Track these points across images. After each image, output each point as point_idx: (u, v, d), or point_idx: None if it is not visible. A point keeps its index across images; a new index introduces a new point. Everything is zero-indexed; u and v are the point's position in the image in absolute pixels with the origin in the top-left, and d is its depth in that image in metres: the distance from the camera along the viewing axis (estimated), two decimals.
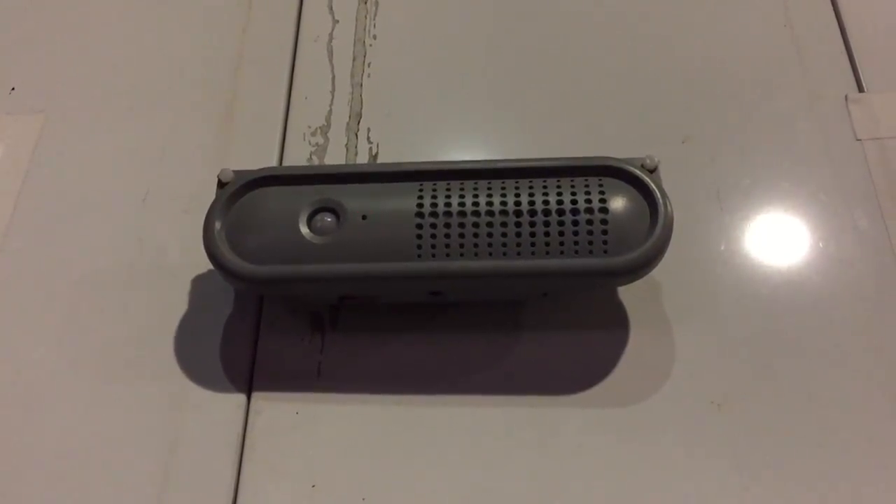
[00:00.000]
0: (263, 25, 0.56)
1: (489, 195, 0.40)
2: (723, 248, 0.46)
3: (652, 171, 0.41)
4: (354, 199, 0.41)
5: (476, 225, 0.39)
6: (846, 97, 0.50)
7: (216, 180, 0.42)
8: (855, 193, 0.47)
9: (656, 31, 0.54)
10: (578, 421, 0.41)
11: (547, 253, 0.39)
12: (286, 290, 0.42)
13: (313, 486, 0.40)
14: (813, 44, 0.53)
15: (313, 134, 0.51)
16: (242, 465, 0.41)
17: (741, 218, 0.47)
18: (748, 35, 0.54)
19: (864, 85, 0.51)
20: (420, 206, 0.40)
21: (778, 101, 0.51)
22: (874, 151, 0.48)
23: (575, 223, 0.39)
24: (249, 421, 0.42)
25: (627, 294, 0.44)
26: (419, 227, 0.39)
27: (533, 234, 0.39)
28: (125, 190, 0.50)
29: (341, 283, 0.40)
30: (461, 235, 0.39)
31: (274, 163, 0.50)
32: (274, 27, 0.56)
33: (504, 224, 0.39)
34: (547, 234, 0.39)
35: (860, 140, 0.49)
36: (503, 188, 0.40)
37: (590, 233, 0.39)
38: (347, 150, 0.51)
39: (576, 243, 0.39)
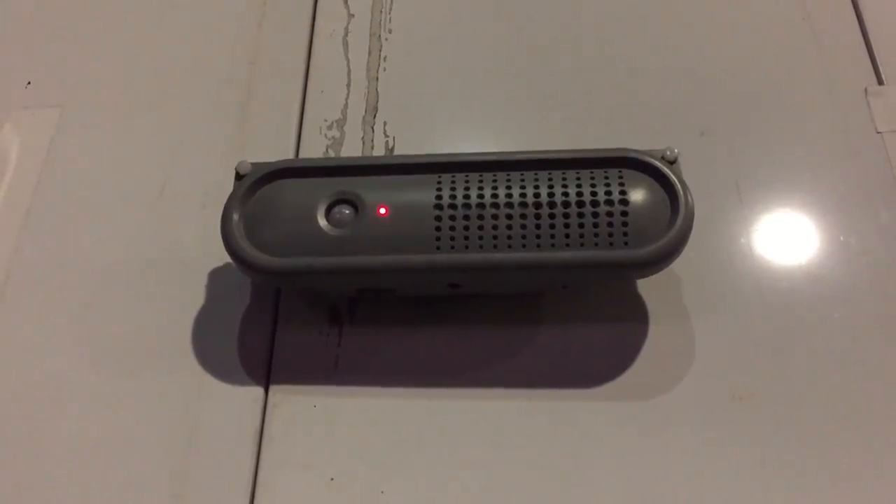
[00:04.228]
0: (279, 20, 0.56)
1: (508, 187, 0.40)
2: (742, 241, 0.45)
3: (672, 162, 0.40)
4: (373, 192, 0.40)
5: (495, 217, 0.39)
6: (866, 90, 0.50)
7: (233, 173, 0.42)
8: (876, 186, 0.47)
9: (674, 23, 0.54)
10: (598, 414, 0.41)
11: (567, 245, 0.39)
12: (304, 282, 0.41)
13: (332, 479, 0.40)
14: (832, 36, 0.52)
15: (329, 128, 0.51)
16: (260, 458, 0.41)
17: (761, 211, 0.46)
18: (767, 27, 0.53)
19: (883, 77, 0.50)
20: (439, 198, 0.40)
21: (797, 94, 0.50)
22: (895, 144, 0.48)
23: (595, 215, 0.39)
24: (267, 414, 0.42)
25: (647, 287, 0.44)
26: (438, 219, 0.39)
27: (552, 227, 0.39)
28: (142, 184, 0.50)
29: (360, 276, 0.40)
30: (480, 228, 0.39)
31: (290, 157, 0.50)
32: (289, 21, 0.56)
33: (523, 216, 0.39)
34: (567, 226, 0.39)
35: (880, 133, 0.48)
36: (522, 180, 0.40)
37: (610, 225, 0.39)
38: (364, 143, 0.50)
39: (596, 235, 0.39)
